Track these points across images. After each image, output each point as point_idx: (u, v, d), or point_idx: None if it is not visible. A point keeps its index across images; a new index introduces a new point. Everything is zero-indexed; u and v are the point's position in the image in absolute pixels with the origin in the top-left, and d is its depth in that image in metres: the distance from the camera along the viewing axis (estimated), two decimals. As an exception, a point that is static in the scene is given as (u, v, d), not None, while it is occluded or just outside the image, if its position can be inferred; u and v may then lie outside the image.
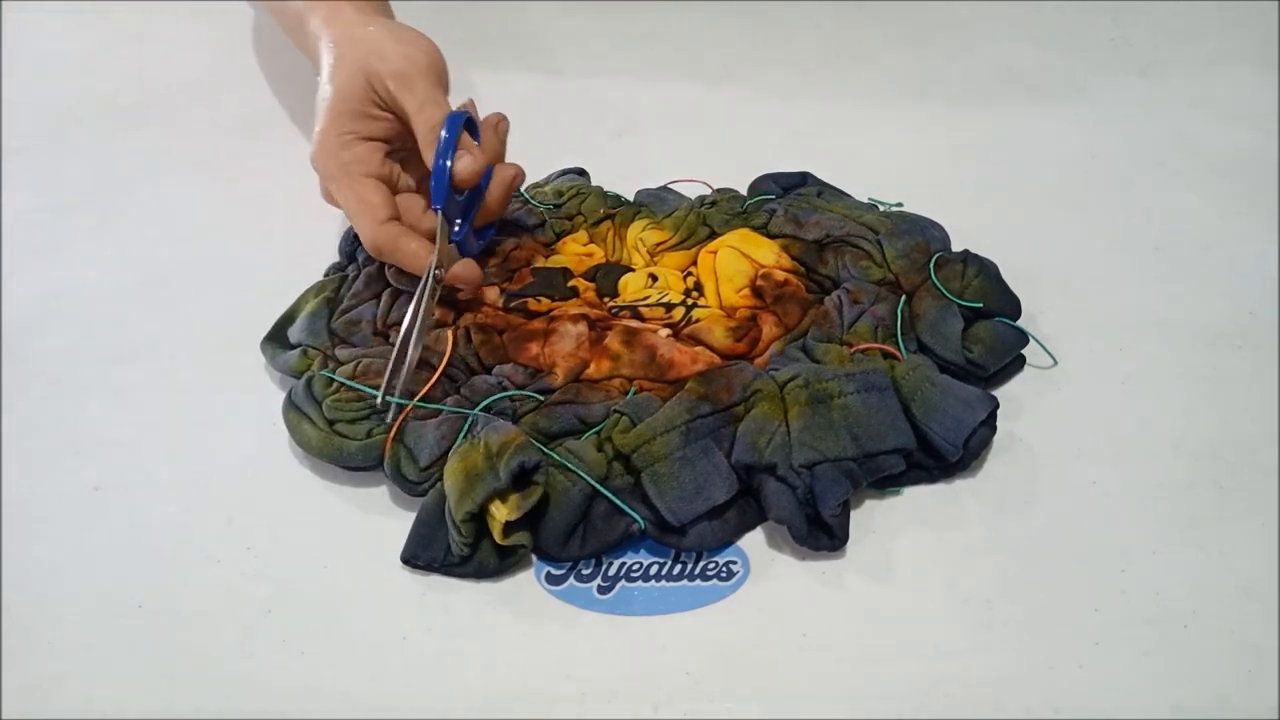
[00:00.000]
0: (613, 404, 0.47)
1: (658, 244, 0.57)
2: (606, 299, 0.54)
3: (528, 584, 0.43)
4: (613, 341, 0.50)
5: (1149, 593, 0.42)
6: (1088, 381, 0.50)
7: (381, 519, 0.46)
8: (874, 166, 0.62)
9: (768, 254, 0.54)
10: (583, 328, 0.50)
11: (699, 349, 0.50)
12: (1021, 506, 0.45)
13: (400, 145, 0.53)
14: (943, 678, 0.40)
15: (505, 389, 0.48)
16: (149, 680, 0.41)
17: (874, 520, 0.45)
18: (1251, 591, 0.42)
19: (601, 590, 0.43)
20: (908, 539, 0.44)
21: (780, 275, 0.53)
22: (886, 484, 0.46)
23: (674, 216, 0.58)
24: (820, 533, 0.43)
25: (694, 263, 0.55)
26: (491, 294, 0.53)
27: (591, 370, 0.49)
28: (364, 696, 0.40)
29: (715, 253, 0.55)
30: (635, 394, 0.48)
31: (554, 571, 0.44)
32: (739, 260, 0.54)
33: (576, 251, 0.56)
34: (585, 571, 0.43)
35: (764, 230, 0.56)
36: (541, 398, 0.48)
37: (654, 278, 0.54)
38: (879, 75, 0.71)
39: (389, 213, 0.50)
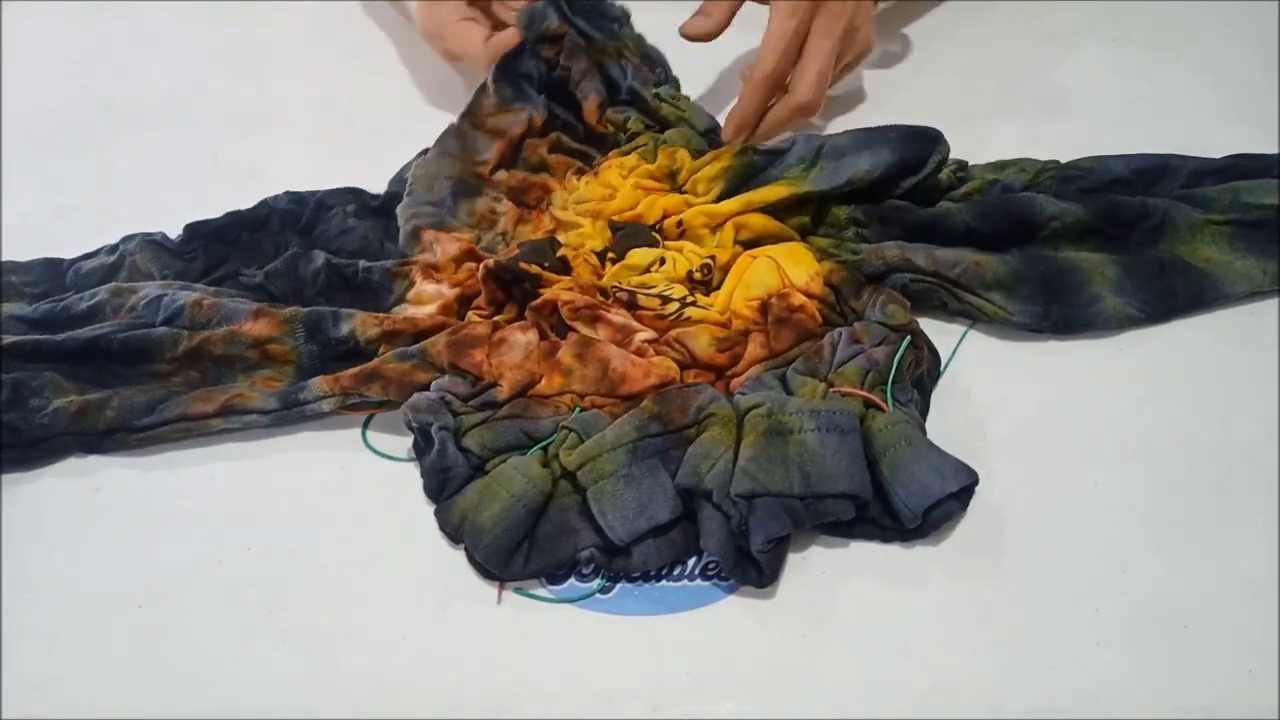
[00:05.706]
0: (561, 419, 0.46)
1: (704, 173, 0.56)
2: (611, 257, 0.53)
3: (527, 583, 0.43)
4: (565, 355, 0.48)
5: (1149, 593, 0.42)
6: (1087, 381, 0.50)
7: (382, 519, 0.46)
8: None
9: (802, 274, 0.51)
10: (532, 336, 0.49)
11: (654, 361, 0.48)
12: (1021, 506, 0.45)
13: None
14: (943, 678, 0.40)
15: (447, 402, 0.46)
16: (149, 680, 0.41)
17: (874, 520, 0.45)
18: (1251, 591, 0.42)
19: (602, 590, 0.43)
20: (907, 539, 0.44)
21: (798, 300, 0.50)
22: (834, 530, 0.44)
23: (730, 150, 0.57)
24: (750, 567, 0.42)
25: (733, 255, 0.53)
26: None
27: (542, 386, 0.48)
28: (364, 697, 0.40)
29: (755, 257, 0.53)
30: (583, 411, 0.47)
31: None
32: (770, 273, 0.51)
33: (609, 181, 0.57)
34: (585, 571, 0.43)
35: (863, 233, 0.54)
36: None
37: (664, 260, 0.53)
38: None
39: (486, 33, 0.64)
